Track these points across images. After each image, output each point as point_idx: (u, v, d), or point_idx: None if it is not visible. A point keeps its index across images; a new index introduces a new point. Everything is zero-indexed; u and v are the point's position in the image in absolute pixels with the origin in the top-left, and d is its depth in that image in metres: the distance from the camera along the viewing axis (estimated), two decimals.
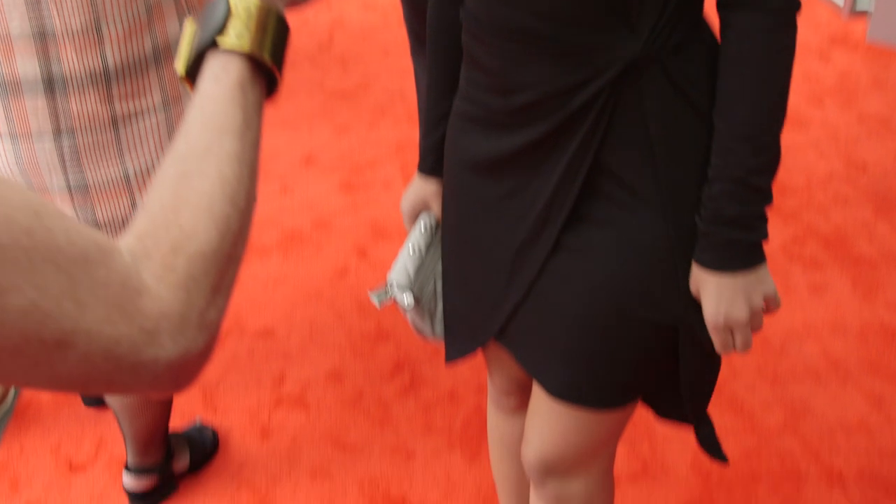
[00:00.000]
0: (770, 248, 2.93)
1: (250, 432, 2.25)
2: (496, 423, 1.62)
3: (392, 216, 3.04)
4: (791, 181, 3.28)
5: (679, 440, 2.24)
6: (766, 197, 1.11)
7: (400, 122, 3.67)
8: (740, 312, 1.15)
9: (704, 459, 2.19)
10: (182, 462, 2.08)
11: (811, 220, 3.02)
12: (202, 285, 0.60)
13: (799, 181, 3.29)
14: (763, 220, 1.12)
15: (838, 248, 2.90)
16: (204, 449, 2.15)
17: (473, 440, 2.21)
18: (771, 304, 1.18)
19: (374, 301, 1.38)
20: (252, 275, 2.78)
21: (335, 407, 2.30)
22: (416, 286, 1.38)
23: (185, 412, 2.31)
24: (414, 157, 3.40)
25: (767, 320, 2.61)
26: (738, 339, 1.18)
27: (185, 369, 0.60)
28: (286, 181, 3.28)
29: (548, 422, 1.30)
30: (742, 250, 1.13)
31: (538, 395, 1.31)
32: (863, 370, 2.47)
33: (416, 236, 1.41)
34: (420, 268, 1.40)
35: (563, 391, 1.24)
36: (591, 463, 1.34)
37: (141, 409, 1.87)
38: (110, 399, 1.86)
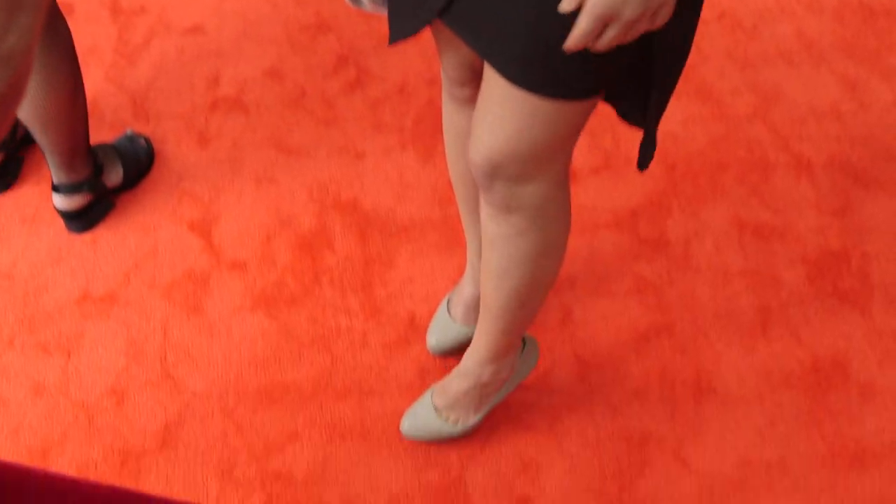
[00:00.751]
0: None
1: (186, 140, 2.09)
2: (451, 116, 1.44)
3: None
4: None
5: (642, 132, 2.12)
6: None
7: None
8: (632, 9, 0.90)
9: (669, 151, 2.08)
10: (115, 176, 1.93)
11: None
12: None
13: None
14: None
15: None
16: (138, 161, 1.99)
17: (426, 137, 2.08)
18: (657, 18, 0.94)
19: None
20: None
21: (276, 107, 2.13)
22: None
23: (113, 123, 2.13)
24: None
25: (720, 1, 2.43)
26: (607, 35, 0.93)
27: None
28: None
29: (500, 115, 1.09)
30: None
31: (490, 83, 1.09)
32: (837, 52, 2.32)
33: None
34: None
35: (519, 74, 1.03)
36: (545, 166, 1.15)
37: (52, 119, 1.69)
38: (19, 113, 1.68)
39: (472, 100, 1.39)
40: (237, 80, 2.19)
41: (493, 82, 1.08)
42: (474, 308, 1.70)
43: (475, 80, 1.35)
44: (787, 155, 2.09)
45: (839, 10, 2.43)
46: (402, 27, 1.15)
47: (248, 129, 2.09)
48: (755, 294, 1.87)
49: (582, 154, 2.06)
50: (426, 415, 1.62)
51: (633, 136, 2.10)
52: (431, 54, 2.24)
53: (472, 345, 1.52)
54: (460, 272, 1.87)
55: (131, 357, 1.77)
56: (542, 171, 1.16)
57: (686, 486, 1.66)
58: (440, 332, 1.73)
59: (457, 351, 1.75)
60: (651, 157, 1.18)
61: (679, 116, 2.15)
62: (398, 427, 1.69)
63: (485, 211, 1.25)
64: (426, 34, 2.27)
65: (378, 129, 2.09)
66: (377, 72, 2.20)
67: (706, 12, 2.38)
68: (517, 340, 1.47)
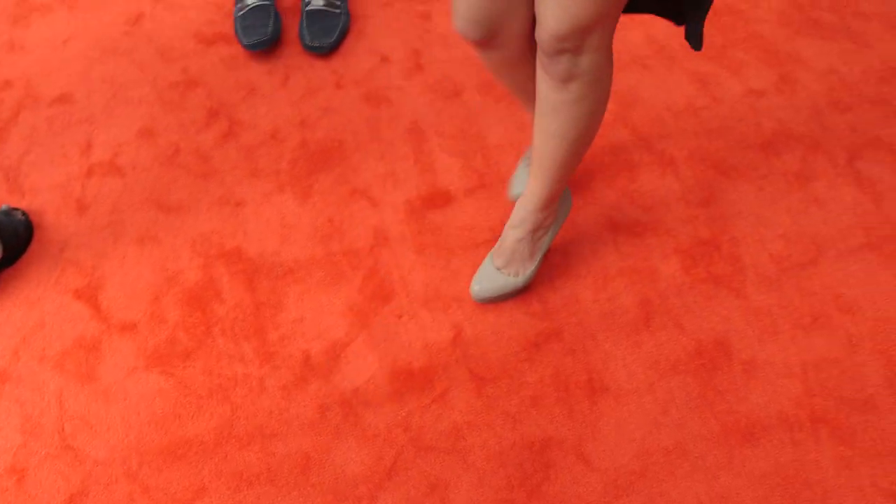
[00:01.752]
0: None
1: (65, 209, 2.09)
2: (485, 61, 1.65)
3: None
4: None
5: (512, 148, 2.19)
6: None
7: None
8: None
9: None
10: None
11: None
12: None
13: None
14: None
15: None
16: (17, 236, 1.99)
17: (302, 178, 2.11)
18: None
19: None
20: (36, 37, 2.50)
21: (152, 167, 2.15)
22: None
23: None
24: None
25: None
26: None
27: None
28: None
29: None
30: None
31: None
32: (687, 51, 2.44)
33: None
34: None
35: None
36: (599, 37, 1.42)
37: None
38: None
39: (487, 48, 1.60)
40: (110, 145, 2.20)
41: None
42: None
43: (486, 38, 1.55)
44: (651, 154, 2.18)
45: None
46: None
47: (125, 192, 2.10)
48: (635, 290, 1.95)
49: (455, 177, 2.12)
50: (491, 276, 1.89)
51: (502, 155, 2.17)
52: (298, 100, 2.29)
53: (524, 197, 1.79)
54: (349, 305, 1.91)
55: (28, 433, 1.76)
56: (596, 43, 1.43)
57: (591, 484, 1.71)
58: (523, 185, 1.99)
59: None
60: (700, 37, 1.51)
61: None
62: (304, 467, 1.72)
63: (547, 84, 1.51)
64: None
65: (255, 176, 2.12)
66: (248, 121, 2.23)
67: None
68: (564, 185, 1.75)
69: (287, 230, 2.02)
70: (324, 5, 2.42)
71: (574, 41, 1.41)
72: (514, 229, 1.84)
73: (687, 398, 1.81)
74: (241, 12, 2.39)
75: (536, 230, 1.84)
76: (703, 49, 2.43)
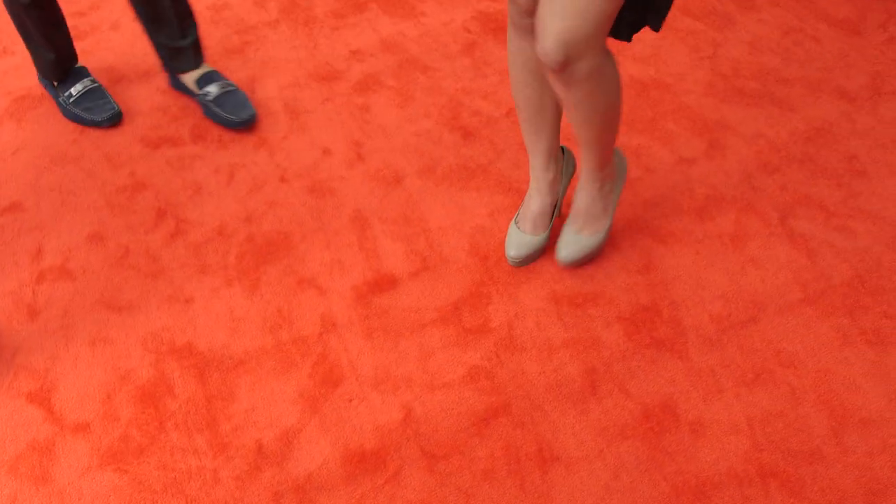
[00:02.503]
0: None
1: (17, 315, 2.11)
2: (518, 46, 1.85)
3: (128, 62, 2.83)
4: None
5: (454, 230, 2.25)
6: None
7: None
8: None
9: (480, 243, 2.22)
10: None
11: None
12: None
13: None
14: None
15: None
16: None
17: (250, 271, 2.16)
18: None
19: None
20: None
21: (102, 269, 2.19)
22: None
23: None
24: None
25: (510, 99, 2.62)
26: None
27: None
28: (4, 43, 2.99)
29: (565, 5, 1.56)
30: None
31: None
32: (621, 125, 2.52)
33: None
34: None
35: None
36: (596, 42, 1.63)
37: None
38: None
39: (532, 29, 1.78)
40: (61, 250, 2.24)
41: None
42: (543, 217, 2.13)
43: (535, 8, 1.72)
44: None
45: None
46: None
47: (77, 295, 2.13)
48: (580, 359, 1.99)
49: (400, 261, 2.17)
50: (572, 240, 2.11)
51: (445, 236, 2.23)
52: (244, 196, 2.34)
53: (583, 161, 1.99)
54: (300, 392, 1.93)
55: None
56: (595, 47, 1.64)
57: None
58: (517, 247, 2.14)
59: (535, 257, 2.16)
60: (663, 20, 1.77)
61: (484, 210, 2.29)
62: None
63: (559, 88, 1.74)
64: None
65: (203, 272, 2.16)
66: (195, 218, 2.28)
67: (494, 110, 2.57)
68: (611, 151, 1.98)
69: (236, 323, 2.06)
70: (222, 89, 2.55)
71: (567, 53, 1.63)
72: (583, 190, 2.06)
73: (637, 462, 1.84)
74: (73, 99, 2.54)
75: (602, 187, 2.06)
76: (634, 122, 2.52)
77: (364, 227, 2.26)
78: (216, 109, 2.53)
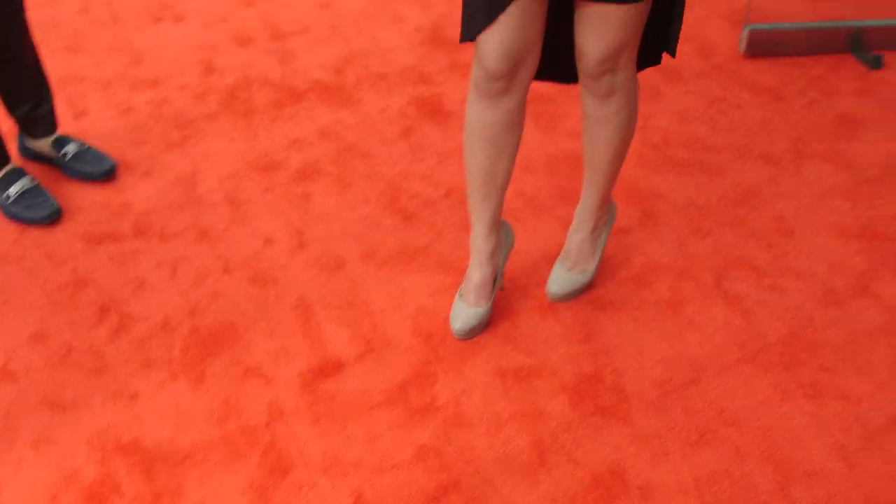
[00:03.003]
0: (453, 104, 2.99)
1: None
2: (478, 111, 1.94)
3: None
4: None
5: (397, 312, 2.28)
6: None
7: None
8: None
9: (423, 323, 2.24)
10: None
11: None
12: None
13: None
14: None
15: None
16: None
17: (195, 363, 2.16)
18: None
19: None
20: None
21: (45, 369, 2.18)
22: None
23: None
24: None
25: (449, 180, 2.68)
26: None
27: None
28: None
29: (601, 28, 1.82)
30: None
31: (589, 16, 1.82)
32: (555, 200, 2.59)
33: None
34: None
35: None
36: (628, 56, 1.90)
37: None
38: None
39: (503, 93, 1.90)
40: (2, 351, 2.22)
41: (592, 13, 1.81)
42: (485, 287, 2.20)
43: (510, 71, 1.86)
44: (530, 300, 2.29)
45: (550, 164, 2.72)
46: (481, 20, 1.79)
47: (19, 397, 2.12)
48: (527, 432, 2.01)
49: (345, 346, 2.19)
50: (562, 277, 2.27)
51: (388, 318, 2.25)
52: (187, 289, 2.35)
53: (582, 203, 2.21)
54: (249, 483, 1.93)
55: None
56: (627, 61, 1.91)
57: None
58: (462, 320, 2.19)
59: (481, 329, 2.23)
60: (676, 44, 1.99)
61: (426, 290, 2.33)
62: None
63: (591, 102, 2.00)
64: None
65: (148, 367, 2.16)
66: (139, 313, 2.29)
67: (433, 192, 2.62)
68: (612, 187, 2.19)
69: (182, 416, 2.06)
70: (79, 147, 2.71)
71: (611, 62, 1.89)
72: (577, 232, 2.26)
73: None
74: (11, 200, 2.58)
75: (594, 229, 2.25)
76: (570, 195, 2.59)
77: (308, 314, 2.28)
78: (77, 166, 2.69)
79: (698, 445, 1.98)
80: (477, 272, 2.19)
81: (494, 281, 2.21)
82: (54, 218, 2.55)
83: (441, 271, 2.38)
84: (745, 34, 3.19)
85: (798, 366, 2.14)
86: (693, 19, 3.47)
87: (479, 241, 2.15)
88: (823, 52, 3.25)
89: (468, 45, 3.28)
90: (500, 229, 2.15)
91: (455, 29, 3.38)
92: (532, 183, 2.65)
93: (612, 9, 1.80)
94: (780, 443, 1.98)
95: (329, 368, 2.15)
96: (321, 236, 2.50)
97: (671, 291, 2.32)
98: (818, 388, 2.09)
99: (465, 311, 2.19)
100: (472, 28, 1.83)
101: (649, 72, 3.14)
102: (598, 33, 1.84)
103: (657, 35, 2.01)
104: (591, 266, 2.29)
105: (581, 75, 1.96)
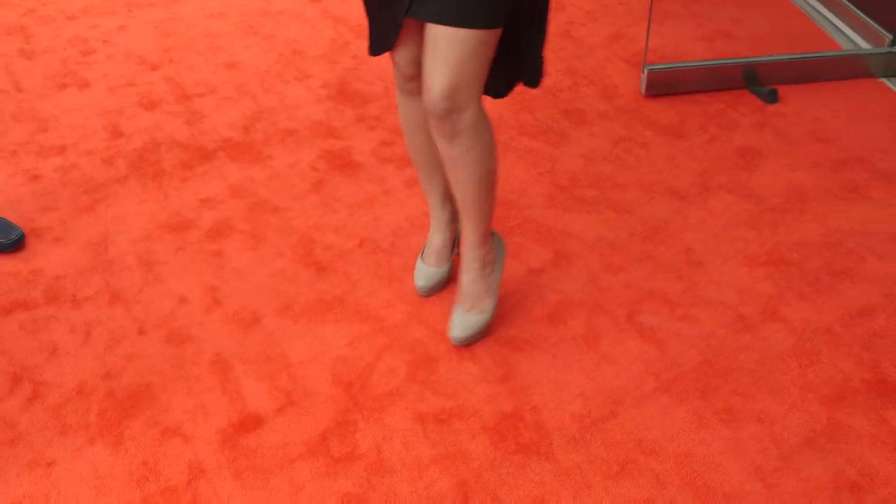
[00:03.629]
0: (363, 156, 3.01)
1: None
2: (406, 108, 2.24)
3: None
4: (370, 90, 3.39)
5: (315, 363, 2.28)
6: None
7: None
8: None
9: (343, 372, 2.25)
10: None
11: (394, 123, 3.14)
12: None
13: (378, 89, 3.40)
14: None
15: None
16: None
17: (112, 426, 2.13)
18: None
19: None
20: None
21: None
22: None
23: None
24: None
25: (361, 230, 2.70)
26: None
27: None
28: None
29: (446, 55, 1.90)
30: None
31: (435, 40, 1.91)
32: None
33: None
34: None
35: (450, 16, 1.86)
36: (473, 94, 1.97)
37: None
38: None
39: (418, 92, 2.12)
40: None
41: (438, 37, 1.90)
42: (444, 251, 2.43)
43: (419, 75, 2.06)
44: (446, 344, 2.31)
45: None
46: (384, 41, 2.05)
47: None
48: (450, 474, 2.01)
49: (264, 400, 2.18)
50: (463, 320, 2.28)
51: (306, 370, 2.25)
52: (102, 352, 2.32)
53: (465, 244, 2.24)
54: None
55: None
56: (472, 99, 1.97)
57: None
58: (424, 278, 2.44)
59: (440, 287, 2.46)
60: (541, 76, 2.14)
61: (343, 340, 2.33)
62: None
63: (441, 143, 2.05)
64: None
65: (64, 434, 2.12)
66: (53, 380, 2.25)
67: (346, 243, 2.63)
68: (490, 224, 2.24)
69: (101, 480, 2.02)
70: None
71: (454, 98, 1.94)
72: (467, 272, 2.28)
73: None
74: None
75: (484, 267, 2.28)
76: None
77: (225, 370, 2.26)
78: None
79: (619, 476, 2.01)
80: (437, 237, 2.43)
81: (453, 245, 2.45)
82: (17, 244, 2.57)
83: (358, 320, 2.39)
84: (644, 75, 3.29)
85: (713, 391, 2.19)
86: (595, 62, 3.56)
87: (436, 211, 2.40)
88: (721, 88, 3.36)
89: (373, 97, 3.32)
90: (453, 199, 2.32)
91: (361, 83, 3.42)
92: None
93: (461, 34, 1.88)
94: (699, 468, 2.02)
95: (249, 423, 2.13)
96: (236, 292, 2.49)
97: (586, 327, 2.36)
98: (733, 412, 2.14)
99: (426, 270, 2.44)
100: (374, 48, 2.12)
101: (554, 115, 3.22)
102: (443, 59, 1.92)
103: (516, 68, 2.11)
104: (489, 305, 2.30)
105: (428, 116, 2.02)
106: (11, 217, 2.75)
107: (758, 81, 3.36)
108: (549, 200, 2.81)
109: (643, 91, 3.32)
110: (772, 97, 3.29)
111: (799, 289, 2.48)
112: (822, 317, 2.39)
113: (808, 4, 3.98)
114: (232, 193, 2.86)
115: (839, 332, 2.34)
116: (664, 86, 3.32)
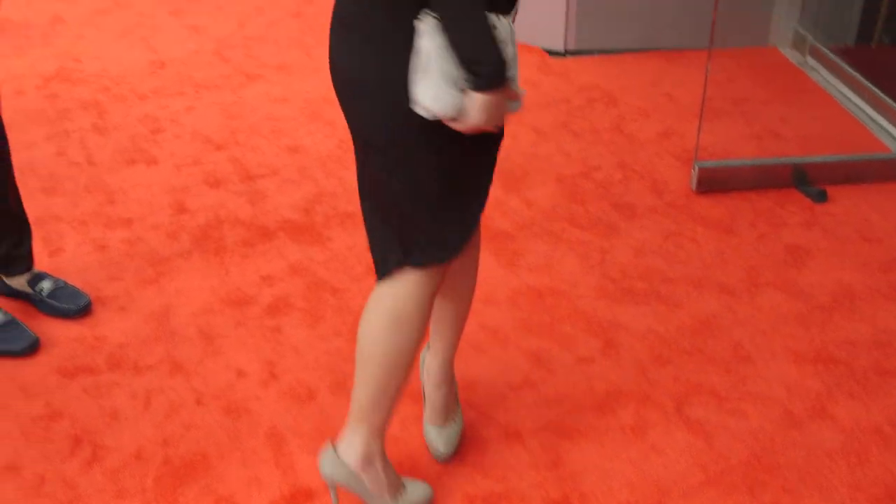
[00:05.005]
0: None
1: None
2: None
3: None
4: None
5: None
6: None
7: None
8: None
9: (392, 452, 2.29)
10: None
11: None
12: None
13: None
14: None
15: None
16: None
17: (168, 492, 2.18)
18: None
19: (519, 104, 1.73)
20: None
21: (17, 500, 2.18)
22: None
23: None
24: None
25: None
26: None
27: None
28: None
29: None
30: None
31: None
32: (519, 332, 2.68)
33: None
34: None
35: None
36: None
37: None
38: None
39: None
40: None
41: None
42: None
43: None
44: (496, 429, 2.35)
45: (513, 298, 2.82)
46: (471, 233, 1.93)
47: None
48: None
49: (316, 474, 2.22)
50: (444, 435, 2.26)
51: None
52: (161, 420, 2.39)
53: (439, 365, 2.23)
54: None
55: None
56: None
57: None
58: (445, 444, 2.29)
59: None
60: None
61: (395, 419, 2.38)
62: None
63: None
64: None
65: (121, 497, 2.17)
66: (112, 444, 2.31)
67: None
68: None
69: None
70: (55, 284, 2.78)
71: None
72: (440, 387, 2.25)
73: None
74: None
75: (453, 378, 2.29)
76: (533, 328, 2.68)
77: (280, 444, 2.32)
78: (52, 303, 2.74)
79: None
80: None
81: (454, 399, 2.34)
82: (33, 349, 2.60)
83: (409, 401, 2.43)
84: (695, 171, 3.37)
85: (760, 487, 2.20)
86: (645, 158, 3.64)
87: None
88: (770, 186, 3.42)
89: None
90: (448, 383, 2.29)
91: None
92: (495, 316, 2.74)
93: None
94: None
95: (301, 496, 2.17)
96: (293, 368, 2.56)
97: (634, 417, 2.39)
98: None
99: (437, 432, 2.30)
100: (447, 250, 1.89)
101: (605, 208, 3.29)
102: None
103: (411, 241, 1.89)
104: (459, 410, 2.32)
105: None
106: (79, 284, 2.85)
107: (807, 181, 3.42)
108: (599, 291, 2.87)
109: (693, 187, 3.39)
110: (820, 197, 3.34)
111: (848, 387, 2.50)
112: (871, 416, 2.40)
113: (854, 104, 4.05)
114: (291, 272, 2.95)
115: (888, 433, 2.35)
116: (714, 182, 3.39)
